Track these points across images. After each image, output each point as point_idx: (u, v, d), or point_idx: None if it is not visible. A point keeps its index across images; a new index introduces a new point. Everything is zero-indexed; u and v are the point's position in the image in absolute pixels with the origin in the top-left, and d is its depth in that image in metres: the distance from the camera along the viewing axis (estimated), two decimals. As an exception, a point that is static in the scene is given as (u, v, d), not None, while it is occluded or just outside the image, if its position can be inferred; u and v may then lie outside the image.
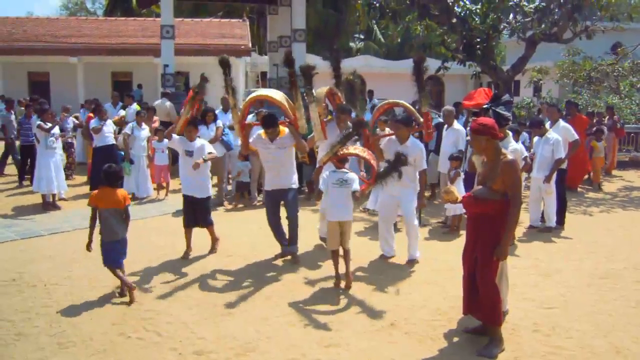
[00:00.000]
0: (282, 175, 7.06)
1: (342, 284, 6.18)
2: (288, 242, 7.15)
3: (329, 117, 7.76)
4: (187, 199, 7.26)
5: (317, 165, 6.77)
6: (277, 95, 7.38)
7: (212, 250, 7.41)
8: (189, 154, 7.16)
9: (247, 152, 7.88)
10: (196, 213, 7.25)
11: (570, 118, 11.70)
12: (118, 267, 5.90)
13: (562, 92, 21.64)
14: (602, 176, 13.54)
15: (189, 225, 7.28)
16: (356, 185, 6.20)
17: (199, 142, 7.29)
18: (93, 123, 11.01)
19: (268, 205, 7.25)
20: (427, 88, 7.33)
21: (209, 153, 7.26)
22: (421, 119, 7.42)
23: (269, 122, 6.86)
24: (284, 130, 7.02)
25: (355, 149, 6.51)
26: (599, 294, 6.09)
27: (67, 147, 12.76)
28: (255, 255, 7.14)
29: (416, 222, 7.18)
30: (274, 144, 6.94)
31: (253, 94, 7.69)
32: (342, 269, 6.26)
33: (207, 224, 7.37)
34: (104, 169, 5.87)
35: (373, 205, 9.32)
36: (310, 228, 7.96)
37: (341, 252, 6.32)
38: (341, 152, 6.30)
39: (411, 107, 7.74)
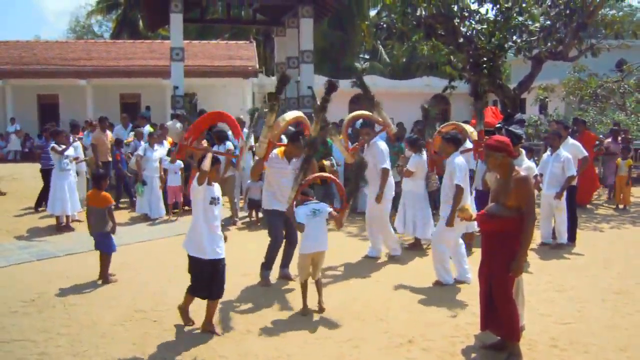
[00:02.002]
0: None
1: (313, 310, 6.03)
2: (286, 264, 7.17)
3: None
4: (201, 263, 5.43)
5: (288, 205, 6.14)
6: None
7: (211, 331, 5.49)
8: (215, 201, 5.52)
9: (258, 176, 7.42)
10: (213, 280, 5.47)
11: (578, 135, 11.78)
12: (106, 253, 7.05)
13: (569, 110, 21.69)
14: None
15: (196, 294, 5.59)
16: (329, 208, 6.06)
17: (218, 187, 5.66)
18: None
19: (279, 225, 6.96)
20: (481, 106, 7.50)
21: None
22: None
23: (299, 138, 6.72)
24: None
25: (314, 174, 6.25)
26: (614, 308, 6.12)
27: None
28: (271, 274, 7.15)
29: (440, 246, 6.87)
30: (291, 164, 6.79)
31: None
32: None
33: (218, 297, 5.61)
34: (93, 173, 6.46)
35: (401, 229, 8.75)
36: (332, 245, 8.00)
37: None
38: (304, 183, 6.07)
39: (464, 126, 7.61)
